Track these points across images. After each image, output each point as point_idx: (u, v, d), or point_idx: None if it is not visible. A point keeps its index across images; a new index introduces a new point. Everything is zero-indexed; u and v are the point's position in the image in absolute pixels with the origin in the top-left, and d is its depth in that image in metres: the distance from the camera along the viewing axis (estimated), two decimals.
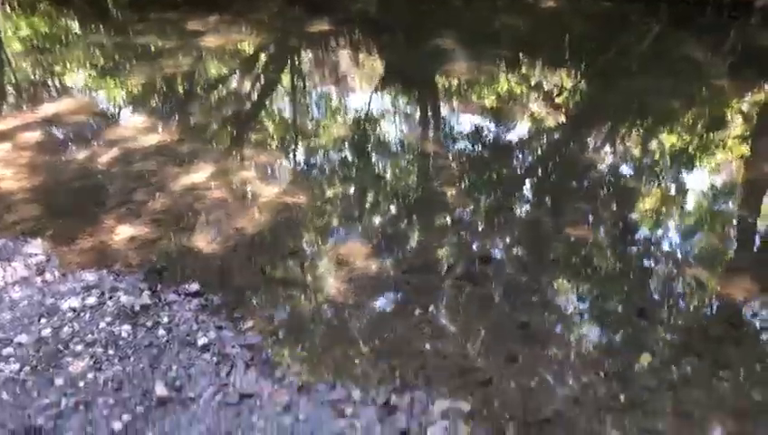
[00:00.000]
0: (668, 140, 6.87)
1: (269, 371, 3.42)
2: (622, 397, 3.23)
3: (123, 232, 4.89)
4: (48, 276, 4.24)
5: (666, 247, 4.78)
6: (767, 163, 6.32)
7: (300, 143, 6.95)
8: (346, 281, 4.29)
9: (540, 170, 6.32)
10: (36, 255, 4.52)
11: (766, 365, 3.49)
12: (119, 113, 7.34)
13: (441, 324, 3.82)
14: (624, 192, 5.74)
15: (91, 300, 3.95)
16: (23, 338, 3.60)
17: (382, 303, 4.05)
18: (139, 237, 4.82)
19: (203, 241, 4.78)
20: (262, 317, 3.90)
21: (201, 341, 3.62)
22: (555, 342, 3.66)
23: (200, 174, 5.91)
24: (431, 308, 4.00)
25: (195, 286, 4.15)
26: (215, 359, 3.50)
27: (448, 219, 5.22)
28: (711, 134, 7.00)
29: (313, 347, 3.63)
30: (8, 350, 3.51)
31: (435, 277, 4.35)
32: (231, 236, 4.87)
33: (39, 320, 3.77)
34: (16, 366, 3.40)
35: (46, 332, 3.66)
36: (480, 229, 5.01)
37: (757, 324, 3.91)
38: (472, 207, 5.43)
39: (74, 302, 3.93)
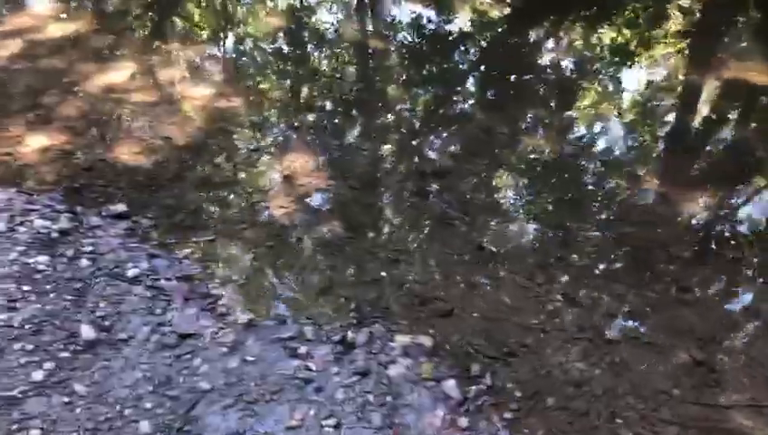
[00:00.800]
0: (611, 34, 6.61)
1: (210, 306, 3.09)
2: (587, 326, 3.09)
3: (33, 142, 4.30)
4: None
5: (628, 158, 4.59)
6: None
7: (231, 36, 6.28)
8: (290, 199, 3.93)
9: (489, 70, 5.95)
10: None
11: (729, 287, 3.43)
12: None
13: (396, 248, 3.55)
14: (577, 92, 5.49)
15: None
16: None
17: (331, 224, 3.72)
18: (53, 149, 4.25)
19: (127, 153, 4.26)
20: (199, 243, 3.52)
21: (131, 272, 3.24)
22: (516, 265, 3.47)
23: (120, 72, 5.25)
24: (384, 229, 3.72)
25: (121, 207, 3.69)
26: (148, 293, 3.14)
27: (395, 127, 4.85)
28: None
29: (258, 277, 3.31)
30: None
31: (385, 194, 4.04)
32: (159, 146, 4.37)
33: None
34: None
35: None
36: (430, 139, 4.68)
37: (718, 244, 3.83)
38: (419, 111, 5.06)
39: None
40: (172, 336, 2.91)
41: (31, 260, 3.24)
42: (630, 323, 3.12)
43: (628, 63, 6.11)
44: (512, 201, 4.03)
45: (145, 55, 5.58)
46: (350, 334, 2.93)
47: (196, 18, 6.60)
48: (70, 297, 3.07)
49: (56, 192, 3.82)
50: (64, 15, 6.05)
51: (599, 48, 6.33)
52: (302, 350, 2.87)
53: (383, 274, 3.34)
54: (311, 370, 2.77)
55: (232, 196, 3.93)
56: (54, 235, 3.43)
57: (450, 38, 6.31)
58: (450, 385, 2.71)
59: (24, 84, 5.01)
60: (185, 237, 3.55)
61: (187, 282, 3.23)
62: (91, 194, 3.85)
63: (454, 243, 3.62)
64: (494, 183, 4.17)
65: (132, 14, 6.43)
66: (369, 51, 6.12)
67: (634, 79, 5.80)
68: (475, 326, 3.05)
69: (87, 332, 2.88)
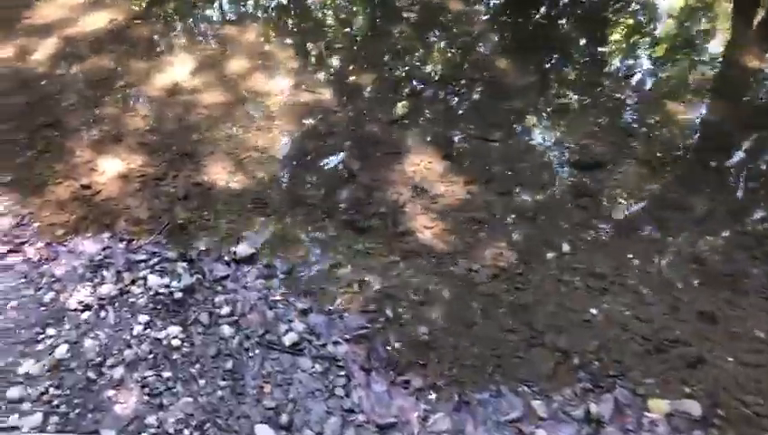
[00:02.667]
0: None
1: (400, 378, 2.47)
2: None
3: (108, 167, 3.62)
4: (29, 252, 3.03)
5: None
6: None
7: (299, 12, 5.47)
8: (433, 216, 3.27)
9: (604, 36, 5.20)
10: None
11: None
12: None
13: (590, 272, 2.91)
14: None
15: (107, 288, 2.81)
16: (28, 366, 2.49)
17: (496, 245, 3.08)
18: (133, 175, 3.58)
19: (222, 172, 3.58)
20: (354, 285, 2.88)
21: (288, 338, 2.61)
22: (747, 278, 2.83)
23: (180, 68, 4.52)
24: (562, 247, 3.07)
25: (244, 247, 3.04)
26: (318, 366, 2.51)
27: (523, 108, 4.15)
28: None
29: (442, 330, 2.67)
30: (13, 390, 2.39)
31: (541, 198, 3.38)
32: (254, 160, 3.69)
33: (43, 331, 2.63)
34: (36, 417, 2.32)
35: (61, 350, 2.54)
36: (568, 120, 3.99)
37: None
38: (545, 86, 4.34)
39: (83, 294, 2.79)
40: (370, 429, 2.30)
41: (161, 334, 2.61)
42: None
43: None
44: (700, 188, 3.36)
45: (202, 45, 4.83)
46: (591, 406, 2.32)
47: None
48: (224, 383, 2.45)
49: (159, 233, 3.16)
50: (96, 2, 5.24)
51: None
52: (540, 434, 2.26)
53: (592, 311, 2.71)
54: None
55: (366, 219, 3.26)
56: (177, 294, 2.79)
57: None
58: None
59: (76, 93, 4.28)
60: (333, 281, 2.90)
61: (359, 344, 2.60)
62: (200, 231, 3.18)
63: (656, 256, 2.99)
64: (668, 170, 3.51)
65: None
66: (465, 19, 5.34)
67: None
68: (737, 376, 2.44)
69: (264, 433, 2.26)
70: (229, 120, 4.02)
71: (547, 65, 4.64)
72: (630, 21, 5.26)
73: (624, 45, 4.94)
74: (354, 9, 5.44)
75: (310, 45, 4.88)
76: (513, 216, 3.28)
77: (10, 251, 3.02)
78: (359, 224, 3.22)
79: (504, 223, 3.23)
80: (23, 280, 2.86)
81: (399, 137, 3.88)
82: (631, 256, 2.98)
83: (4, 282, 2.85)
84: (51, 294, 2.78)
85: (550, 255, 3.02)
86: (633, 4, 5.43)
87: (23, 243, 3.07)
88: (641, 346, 2.55)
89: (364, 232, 3.18)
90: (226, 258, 2.99)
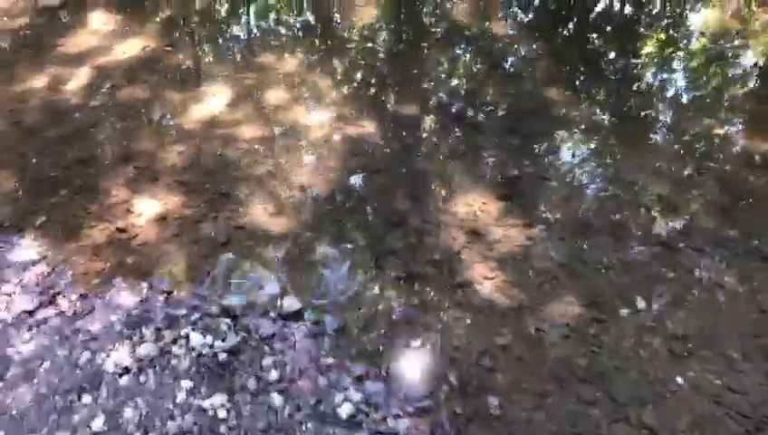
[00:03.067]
0: None
1: None
2: None
3: (144, 209, 3.43)
4: (63, 305, 2.84)
5: None
6: None
7: (338, 38, 5.28)
8: (492, 265, 3.03)
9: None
10: (32, 264, 3.06)
11: None
12: (76, 12, 5.46)
13: (672, 333, 2.65)
14: None
15: (147, 349, 2.61)
16: None
17: (564, 300, 2.83)
18: (171, 217, 3.39)
19: (264, 215, 3.38)
20: (413, 345, 2.65)
21: (343, 409, 2.38)
22: None
23: (216, 99, 4.34)
24: (638, 303, 2.81)
25: (291, 301, 2.83)
26: None
27: (574, 134, 3.92)
28: None
29: (514, 402, 2.43)
30: None
31: (613, 246, 3.14)
32: (299, 199, 3.48)
33: (78, 397, 2.43)
34: None
35: (98, 422, 2.34)
36: (629, 153, 3.75)
37: None
38: (603, 107, 4.11)
39: (121, 354, 2.59)
40: None
41: (206, 403, 2.40)
42: None
43: None
44: None
45: (237, 75, 4.64)
46: None
47: (290, 22, 5.61)
48: None
49: (197, 284, 2.96)
50: (135, 30, 5.11)
51: None
52: None
53: (678, 379, 2.45)
54: None
55: (420, 267, 3.03)
56: (221, 356, 2.58)
57: None
58: None
59: (111, 126, 4.11)
60: (389, 340, 2.67)
61: (421, 418, 2.36)
62: (242, 282, 2.98)
63: (744, 314, 2.72)
64: (744, 214, 3.24)
65: (207, 24, 5.48)
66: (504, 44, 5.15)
67: None
68: None
69: None
70: (269, 155, 3.83)
71: (594, 92, 4.41)
72: (669, 37, 5.01)
73: (679, 68, 4.69)
74: (395, 37, 5.23)
75: (350, 75, 4.69)
76: (579, 266, 3.02)
77: (43, 304, 2.83)
78: (413, 273, 2.99)
79: (569, 274, 2.99)
80: (57, 337, 2.67)
81: (448, 173, 3.66)
82: (715, 314, 2.71)
83: (37, 339, 2.66)
84: (86, 355, 2.58)
85: (624, 312, 2.76)
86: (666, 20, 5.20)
87: (57, 294, 2.89)
88: (740, 425, 2.28)
89: (419, 283, 2.95)
90: (272, 314, 2.78)
